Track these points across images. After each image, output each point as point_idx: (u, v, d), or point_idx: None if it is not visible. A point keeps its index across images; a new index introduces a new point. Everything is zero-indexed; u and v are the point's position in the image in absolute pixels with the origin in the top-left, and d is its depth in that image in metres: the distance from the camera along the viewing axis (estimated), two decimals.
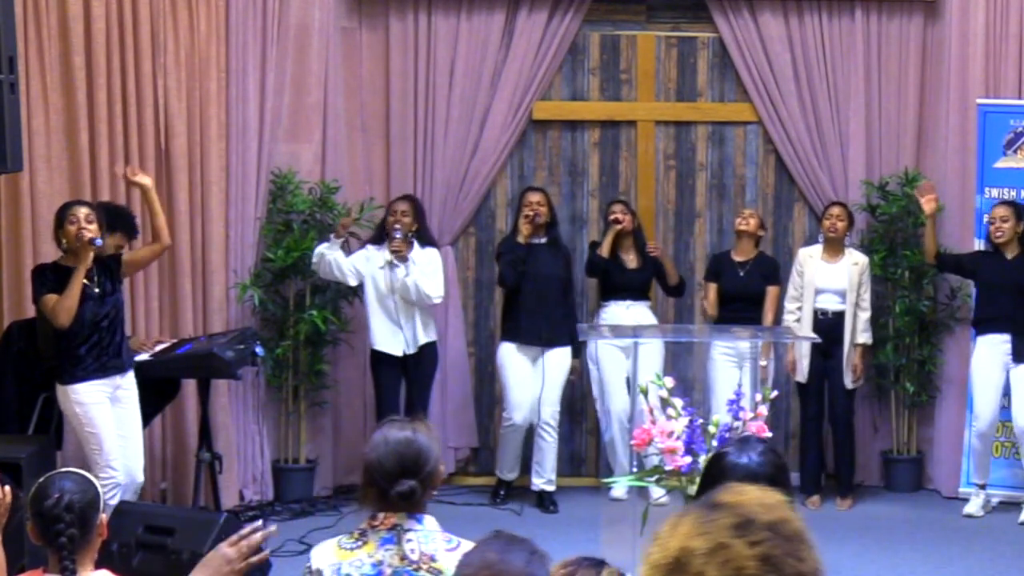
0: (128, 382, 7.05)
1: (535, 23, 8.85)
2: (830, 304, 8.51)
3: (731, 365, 8.38)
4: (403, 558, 3.56)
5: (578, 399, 9.06)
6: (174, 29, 8.16)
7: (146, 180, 7.24)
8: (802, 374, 8.52)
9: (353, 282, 8.29)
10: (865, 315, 8.56)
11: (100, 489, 3.89)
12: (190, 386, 8.06)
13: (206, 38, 8.28)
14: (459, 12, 8.80)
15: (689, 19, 9.06)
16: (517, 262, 8.36)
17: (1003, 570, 7.41)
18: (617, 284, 8.51)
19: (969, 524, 8.26)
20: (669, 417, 6.38)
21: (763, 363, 8.11)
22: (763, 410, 6.50)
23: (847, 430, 8.66)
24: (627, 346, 8.10)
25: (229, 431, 8.39)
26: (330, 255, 8.19)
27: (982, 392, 8.33)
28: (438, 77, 8.81)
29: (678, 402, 6.43)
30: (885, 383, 8.90)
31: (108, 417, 6.91)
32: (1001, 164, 8.65)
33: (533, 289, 8.37)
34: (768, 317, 8.54)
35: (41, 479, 3.83)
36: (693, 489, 6.10)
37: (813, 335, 8.31)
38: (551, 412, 8.48)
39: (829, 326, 8.46)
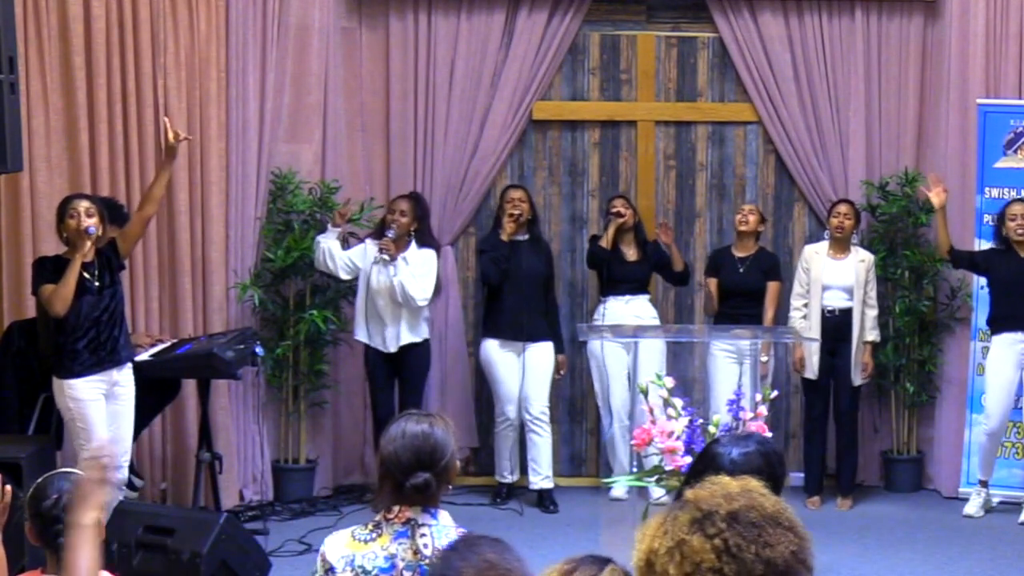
0: (125, 377, 7.04)
1: (535, 23, 8.85)
2: (837, 301, 8.50)
3: (731, 361, 8.39)
4: (416, 553, 3.56)
5: (578, 399, 9.06)
6: (174, 29, 8.16)
7: (175, 151, 7.24)
8: (812, 370, 8.51)
9: (344, 275, 8.32)
10: (873, 312, 8.55)
11: None
12: (190, 386, 8.06)
13: (206, 38, 8.28)
14: (459, 12, 8.80)
15: (689, 19, 9.05)
16: (500, 259, 8.40)
17: (1003, 570, 7.41)
18: (617, 277, 8.52)
19: (969, 524, 8.25)
20: (669, 417, 6.39)
21: (764, 359, 8.11)
22: (763, 410, 6.50)
23: (851, 429, 8.65)
24: (628, 344, 8.11)
25: (229, 431, 8.38)
26: (325, 244, 8.24)
27: (994, 391, 8.29)
28: (438, 77, 8.81)
29: (678, 402, 6.44)
30: (885, 383, 8.90)
31: (101, 414, 6.92)
32: (1001, 164, 8.64)
33: (515, 286, 8.42)
34: (769, 313, 8.54)
35: (40, 479, 3.83)
36: None
37: (814, 336, 8.31)
38: (540, 408, 8.51)
39: (836, 324, 8.46)
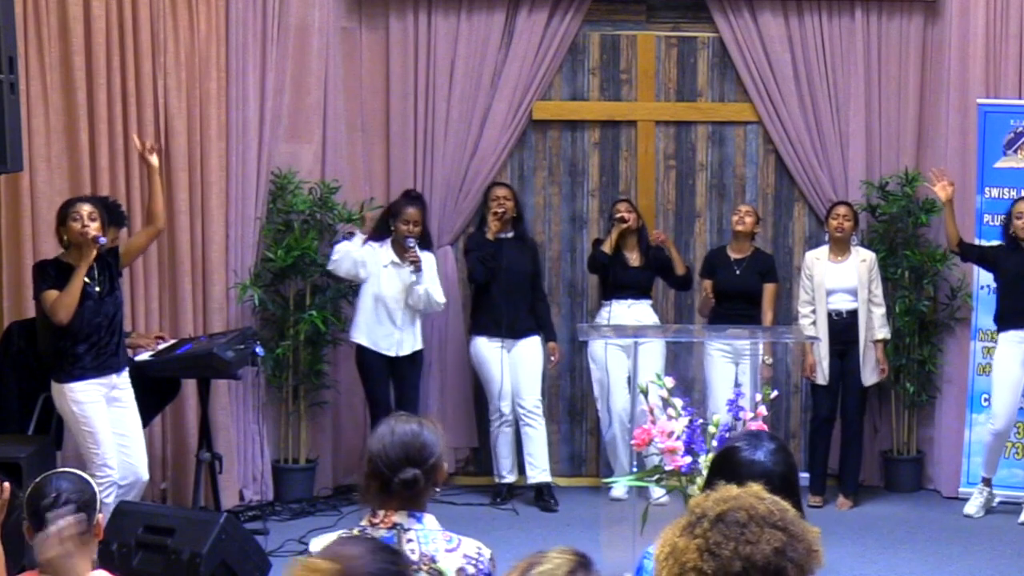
0: (124, 381, 7.04)
1: (535, 23, 8.85)
2: (843, 304, 8.50)
3: (727, 361, 8.39)
4: None
5: (578, 399, 9.06)
6: (174, 29, 8.16)
7: (155, 161, 7.26)
8: (823, 376, 8.50)
9: (364, 278, 8.33)
10: (880, 310, 8.55)
11: (97, 489, 3.89)
12: (190, 386, 8.06)
13: (206, 38, 8.28)
14: (459, 12, 8.81)
15: (689, 19, 9.05)
16: (487, 258, 8.43)
17: (1003, 570, 7.41)
18: (619, 282, 8.53)
19: (969, 524, 8.25)
20: (669, 417, 6.39)
21: (768, 361, 8.10)
22: (763, 410, 6.50)
23: (856, 430, 8.64)
24: (628, 345, 8.11)
25: (229, 431, 8.38)
26: (357, 254, 8.22)
27: (1001, 390, 8.27)
28: (438, 77, 8.81)
29: (678, 402, 6.43)
30: (885, 383, 8.89)
31: (104, 416, 6.91)
32: (1001, 164, 8.64)
33: (501, 283, 8.47)
34: (767, 316, 8.54)
35: (38, 479, 3.84)
36: (693, 489, 6.11)
37: (816, 335, 8.30)
38: (533, 401, 8.54)
39: (845, 327, 8.46)
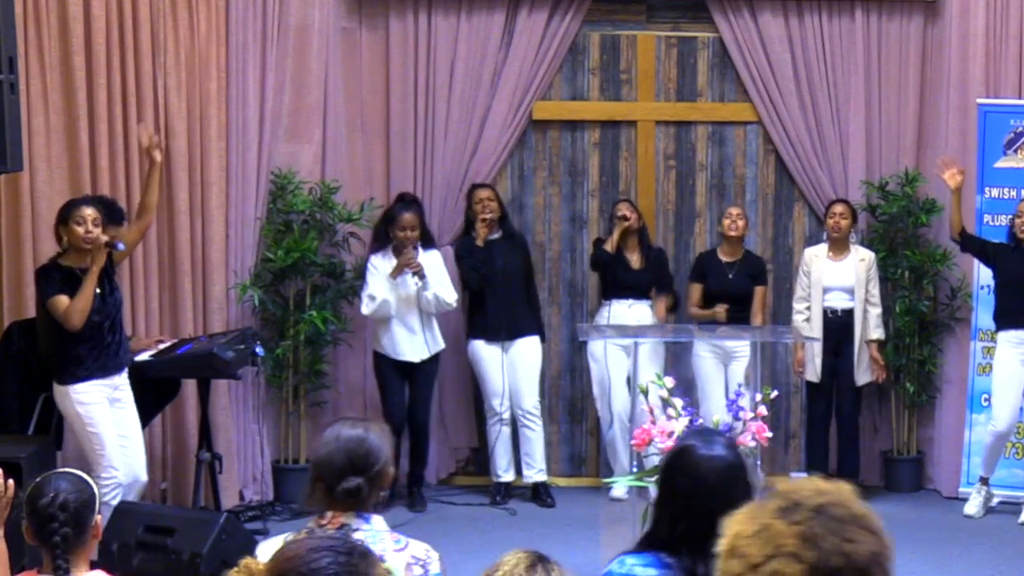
0: (124, 382, 7.05)
1: (535, 23, 8.85)
2: (839, 302, 8.50)
3: (715, 361, 8.41)
4: None
5: (578, 399, 9.06)
6: (174, 29, 8.16)
7: (159, 157, 7.27)
8: (814, 373, 8.51)
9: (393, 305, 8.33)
10: (876, 311, 8.55)
11: (96, 490, 3.89)
12: (190, 386, 8.06)
13: (206, 38, 8.28)
14: (459, 12, 8.81)
15: (689, 19, 9.05)
16: (479, 265, 8.46)
17: (1003, 570, 7.41)
18: (620, 283, 8.54)
19: (969, 524, 8.25)
20: (669, 417, 6.39)
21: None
22: (763, 410, 6.50)
23: (852, 429, 8.65)
24: (628, 345, 8.12)
25: (229, 431, 8.39)
26: (390, 299, 8.20)
27: (1001, 391, 8.25)
28: (438, 77, 8.81)
29: (678, 402, 6.44)
30: (885, 383, 8.89)
31: (108, 417, 6.91)
32: (1001, 164, 8.64)
33: (495, 286, 8.48)
34: (757, 318, 8.54)
35: (38, 479, 3.84)
36: None
37: (813, 335, 8.31)
38: (532, 403, 8.55)
39: (839, 324, 8.47)
